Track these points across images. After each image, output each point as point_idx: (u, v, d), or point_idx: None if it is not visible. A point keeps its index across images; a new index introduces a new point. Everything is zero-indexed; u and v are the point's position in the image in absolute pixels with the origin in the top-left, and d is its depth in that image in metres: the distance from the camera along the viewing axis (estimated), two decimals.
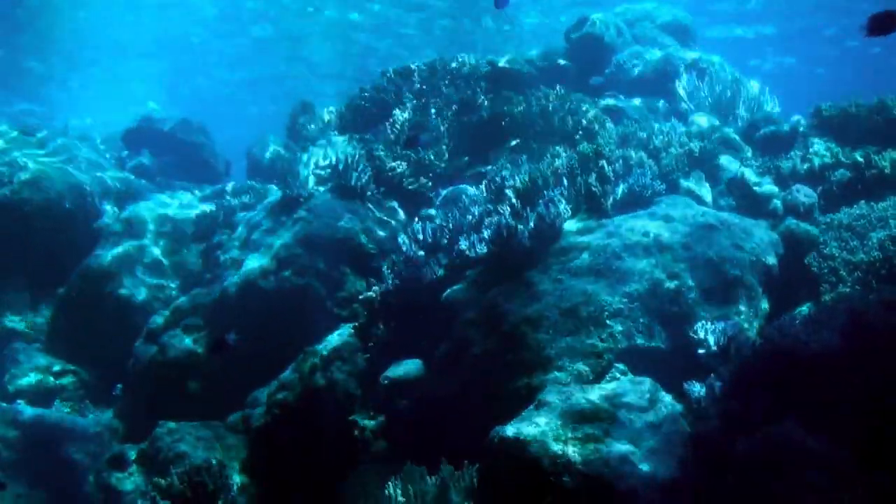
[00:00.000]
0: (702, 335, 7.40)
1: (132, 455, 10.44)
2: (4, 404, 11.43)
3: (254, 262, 11.38)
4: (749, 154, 10.94)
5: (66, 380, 12.45)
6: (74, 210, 13.92)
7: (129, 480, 10.16)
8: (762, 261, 8.29)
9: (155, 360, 11.60)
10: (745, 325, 7.63)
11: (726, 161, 10.31)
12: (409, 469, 7.21)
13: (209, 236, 13.87)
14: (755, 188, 9.50)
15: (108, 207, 14.35)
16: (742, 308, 7.87)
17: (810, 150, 10.30)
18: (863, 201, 8.98)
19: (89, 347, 12.74)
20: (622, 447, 6.17)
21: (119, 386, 12.25)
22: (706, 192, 9.72)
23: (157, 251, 13.73)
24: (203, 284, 12.71)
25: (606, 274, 7.98)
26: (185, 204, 15.41)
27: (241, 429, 10.32)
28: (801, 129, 11.08)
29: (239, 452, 9.97)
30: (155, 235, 14.00)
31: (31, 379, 12.26)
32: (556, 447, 6.20)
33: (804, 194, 9.17)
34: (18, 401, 11.63)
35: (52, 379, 12.37)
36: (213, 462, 9.21)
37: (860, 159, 9.61)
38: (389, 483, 7.08)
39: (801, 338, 6.50)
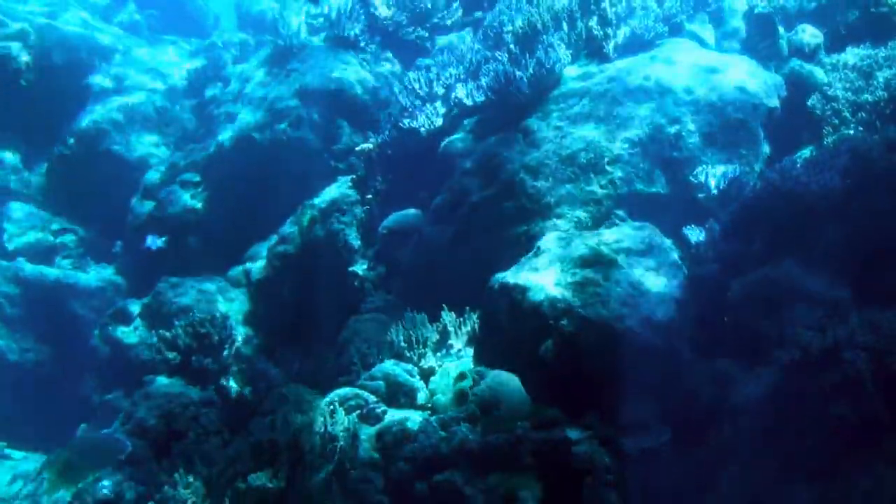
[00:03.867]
0: (702, 179, 7.34)
1: (135, 309, 10.59)
2: (4, 262, 11.47)
3: (248, 116, 11.22)
4: None
5: (66, 237, 12.46)
6: (63, 65, 13.54)
7: (134, 334, 10.33)
8: (765, 104, 8.11)
9: (153, 217, 11.60)
10: (747, 169, 7.54)
11: (730, 1, 9.96)
12: (409, 317, 7.29)
13: (201, 91, 13.64)
14: (759, 28, 9.22)
15: (97, 62, 13.97)
16: (743, 152, 7.75)
17: None
18: (869, 41, 8.72)
19: (87, 205, 12.68)
20: (621, 290, 6.21)
21: (119, 243, 12.29)
22: (709, 34, 9.43)
23: (149, 107, 13.48)
24: (197, 140, 12.58)
25: (607, 120, 7.84)
26: (175, 59, 15.05)
27: (242, 282, 10.43)
28: None
29: (241, 305, 10.11)
30: (146, 91, 13.72)
31: (29, 237, 12.25)
32: (556, 292, 6.24)
33: (810, 34, 8.89)
34: (19, 258, 11.66)
35: (51, 237, 12.36)
36: (217, 314, 9.33)
37: None
38: (391, 329, 7.17)
39: (801, 179, 6.43)
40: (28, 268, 11.42)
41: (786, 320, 5.98)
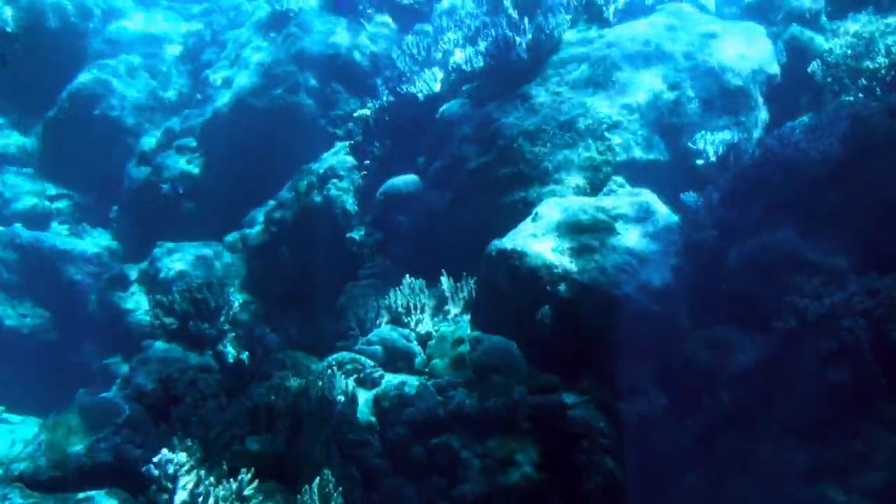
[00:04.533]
0: (701, 145, 7.31)
1: (133, 275, 10.57)
2: (1, 227, 11.43)
3: (245, 81, 11.14)
4: None
5: (62, 203, 12.42)
6: (58, 29, 13.42)
7: (132, 299, 10.33)
8: (764, 70, 8.07)
9: (150, 182, 11.56)
10: (745, 136, 7.51)
11: None
12: (407, 282, 7.28)
13: (198, 55, 13.55)
14: None
15: (92, 27, 13.85)
16: (742, 118, 7.72)
17: None
18: (871, 7, 8.65)
19: (82, 171, 12.62)
20: (618, 257, 6.20)
21: (115, 208, 12.25)
22: None
23: (144, 72, 13.38)
24: (194, 105, 12.51)
25: (605, 85, 7.79)
26: (172, 22, 14.91)
27: (239, 248, 10.41)
28: None
29: (238, 270, 10.10)
30: (141, 56, 13.61)
31: (25, 203, 12.21)
32: (553, 258, 6.23)
33: (811, 0, 8.83)
34: (15, 224, 11.62)
35: (47, 202, 12.33)
36: (214, 280, 9.30)
37: None
38: (389, 295, 7.16)
39: (801, 146, 6.42)
40: (25, 233, 11.38)
41: (783, 287, 5.99)
